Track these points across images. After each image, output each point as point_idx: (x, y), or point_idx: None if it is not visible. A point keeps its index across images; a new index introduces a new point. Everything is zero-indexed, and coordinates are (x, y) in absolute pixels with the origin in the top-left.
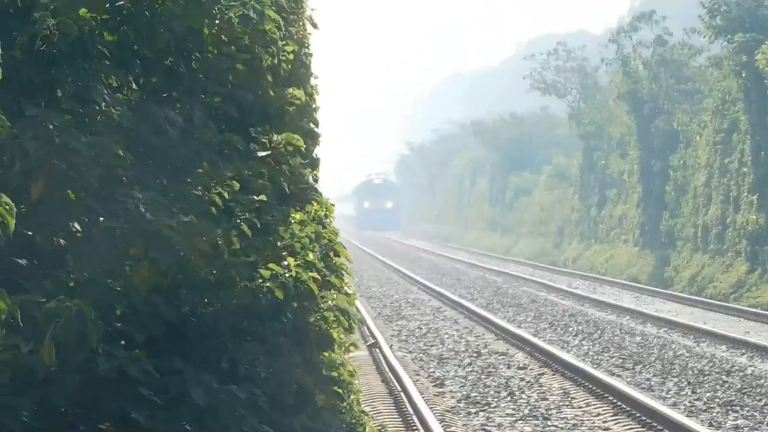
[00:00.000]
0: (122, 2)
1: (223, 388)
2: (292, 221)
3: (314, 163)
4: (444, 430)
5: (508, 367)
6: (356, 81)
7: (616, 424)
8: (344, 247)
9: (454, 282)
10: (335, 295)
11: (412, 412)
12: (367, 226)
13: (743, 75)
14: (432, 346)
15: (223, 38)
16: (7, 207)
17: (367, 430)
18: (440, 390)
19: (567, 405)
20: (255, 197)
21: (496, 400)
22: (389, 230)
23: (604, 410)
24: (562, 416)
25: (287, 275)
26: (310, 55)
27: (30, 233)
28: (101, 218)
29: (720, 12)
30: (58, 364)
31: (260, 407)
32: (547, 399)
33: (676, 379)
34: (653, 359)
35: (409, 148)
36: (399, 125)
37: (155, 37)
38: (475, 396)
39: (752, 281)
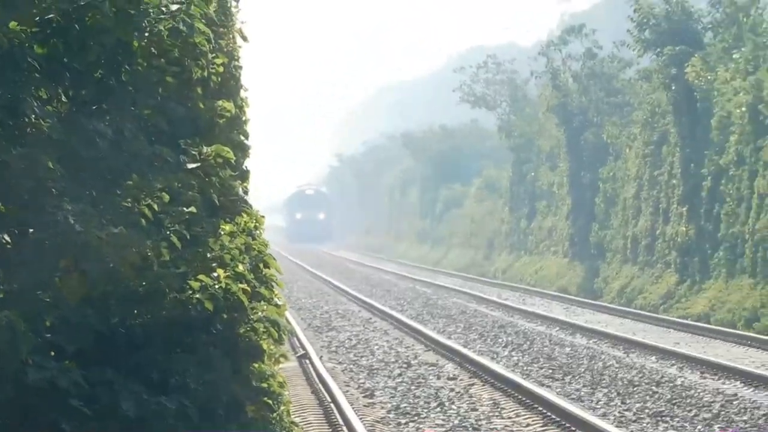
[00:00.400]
0: (52, 15)
1: (154, 399)
2: (222, 233)
3: (244, 175)
4: None
5: (438, 378)
6: (286, 94)
7: None
8: (274, 259)
9: (384, 293)
10: (265, 306)
11: (342, 422)
12: (298, 238)
13: (673, 88)
14: (362, 357)
15: (153, 51)
16: None
17: None
18: (370, 401)
19: (497, 416)
20: (185, 209)
21: (426, 410)
22: (322, 242)
23: (533, 421)
24: (492, 427)
25: (217, 287)
26: (240, 67)
27: None
28: (31, 230)
29: (649, 25)
30: None
31: (190, 418)
32: (476, 410)
33: (605, 390)
34: (583, 370)
35: (339, 159)
36: (330, 137)
37: (85, 50)
38: (405, 407)
39: (681, 292)
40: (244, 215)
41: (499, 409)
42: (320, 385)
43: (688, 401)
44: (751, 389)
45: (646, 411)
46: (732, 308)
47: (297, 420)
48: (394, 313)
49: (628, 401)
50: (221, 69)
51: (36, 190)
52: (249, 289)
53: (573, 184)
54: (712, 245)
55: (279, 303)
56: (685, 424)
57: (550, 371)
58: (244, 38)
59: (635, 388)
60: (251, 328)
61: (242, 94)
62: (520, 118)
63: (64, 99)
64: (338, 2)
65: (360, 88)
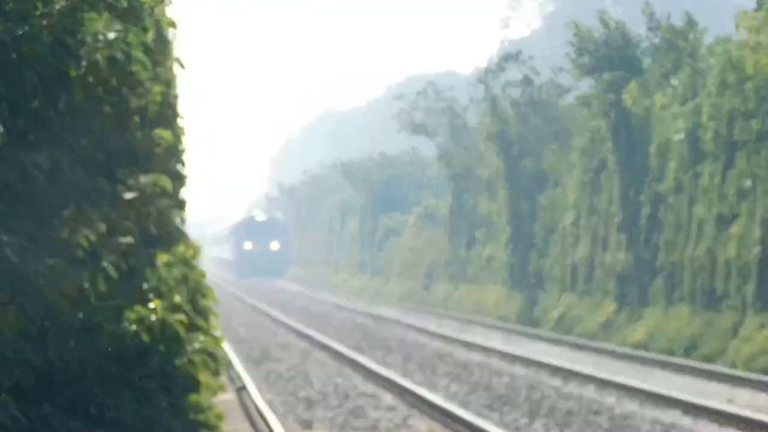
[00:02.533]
0: None
1: None
2: (159, 263)
3: (181, 205)
4: None
5: (377, 409)
6: (223, 124)
7: None
8: (211, 289)
9: (323, 324)
10: (202, 338)
11: None
12: (249, 272)
13: (611, 114)
14: (300, 388)
15: (91, 80)
16: None
17: None
18: None
19: None
20: (122, 240)
21: None
22: (276, 276)
23: None
24: None
25: (154, 318)
26: (177, 96)
27: None
28: None
29: (588, 51)
30: None
31: None
32: None
33: (544, 420)
34: (521, 400)
35: (279, 189)
36: (268, 168)
37: (22, 80)
38: None
39: (620, 321)
40: (182, 245)
41: None
42: (258, 417)
43: (626, 431)
44: (690, 418)
45: None
46: (671, 336)
47: None
48: (332, 344)
49: (566, 431)
50: (159, 98)
51: None
52: (186, 320)
53: (512, 213)
54: (651, 273)
55: (216, 334)
56: None
57: (489, 401)
58: (182, 66)
59: (573, 418)
60: (188, 360)
61: (179, 122)
62: (459, 146)
63: (0, 130)
64: (277, 31)
65: (298, 118)
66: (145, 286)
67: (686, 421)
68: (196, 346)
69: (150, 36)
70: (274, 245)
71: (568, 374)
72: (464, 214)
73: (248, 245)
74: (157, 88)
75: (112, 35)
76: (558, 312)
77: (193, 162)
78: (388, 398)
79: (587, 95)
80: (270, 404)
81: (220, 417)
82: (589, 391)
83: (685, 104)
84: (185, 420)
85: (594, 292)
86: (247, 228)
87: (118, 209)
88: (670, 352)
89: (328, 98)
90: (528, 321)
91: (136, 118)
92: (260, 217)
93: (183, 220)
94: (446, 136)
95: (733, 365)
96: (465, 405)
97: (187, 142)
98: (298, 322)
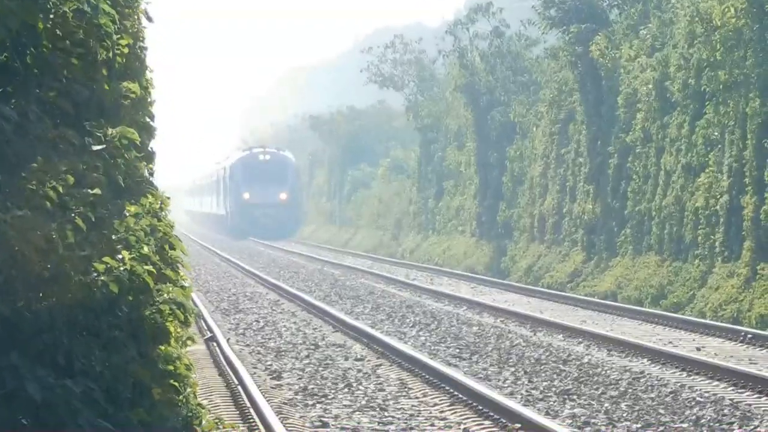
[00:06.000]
0: None
1: (59, 383)
2: (127, 214)
3: (150, 157)
4: (281, 422)
5: (346, 359)
6: (194, 77)
7: (453, 413)
8: (179, 240)
9: (291, 275)
10: (171, 288)
11: (249, 404)
12: (246, 231)
13: (579, 66)
14: (269, 339)
15: (58, 33)
16: None
17: (204, 422)
18: (277, 383)
19: (404, 396)
20: (90, 191)
21: (333, 391)
22: (284, 237)
23: (440, 400)
24: (399, 407)
25: (122, 268)
26: (145, 48)
27: None
28: None
29: (555, 3)
30: None
31: (96, 401)
32: (384, 390)
33: (512, 369)
34: (490, 349)
35: (246, 142)
36: (238, 122)
37: None
38: (313, 388)
39: (588, 270)
40: (150, 196)
41: (406, 389)
42: (227, 368)
43: (595, 379)
44: (659, 366)
45: (554, 389)
46: (639, 285)
47: (204, 402)
48: (301, 294)
49: (535, 380)
50: (126, 50)
51: None
52: (154, 270)
53: (480, 164)
54: (619, 223)
55: (185, 285)
56: (592, 402)
57: (458, 350)
58: (149, 19)
59: (542, 367)
60: (157, 311)
61: (147, 75)
62: (427, 98)
63: None
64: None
65: (267, 72)
66: (113, 237)
67: (654, 369)
68: (165, 296)
69: None
70: (283, 195)
71: (537, 323)
72: (432, 165)
73: (247, 195)
74: (125, 41)
75: None
76: (526, 262)
77: (162, 117)
78: (357, 348)
79: (555, 47)
80: (239, 355)
81: (189, 367)
82: (558, 341)
83: (652, 56)
84: (154, 370)
85: (562, 242)
86: (246, 170)
87: (86, 160)
88: (638, 302)
89: (296, 52)
90: (496, 271)
91: (104, 70)
92: (264, 154)
93: (151, 172)
94: (414, 88)
95: (702, 314)
96: (434, 354)
97: (157, 95)
98: (267, 273)
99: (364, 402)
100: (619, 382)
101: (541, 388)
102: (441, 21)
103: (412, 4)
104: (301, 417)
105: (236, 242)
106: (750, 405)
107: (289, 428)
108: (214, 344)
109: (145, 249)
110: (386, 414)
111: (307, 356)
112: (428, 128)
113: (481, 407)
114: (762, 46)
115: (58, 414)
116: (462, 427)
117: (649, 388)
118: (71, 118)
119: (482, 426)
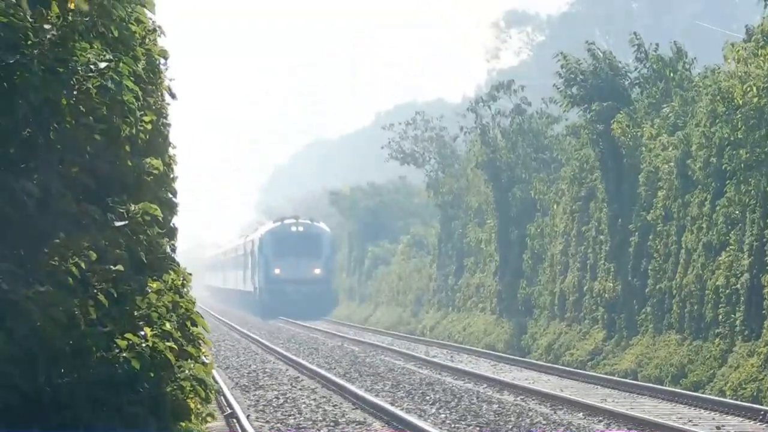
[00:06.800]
0: None
1: None
2: (149, 290)
3: (172, 233)
4: None
5: None
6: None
7: None
8: (201, 316)
9: (311, 351)
10: (192, 365)
11: None
12: (277, 310)
13: (600, 144)
14: (289, 415)
15: (81, 109)
16: None
17: None
18: None
19: None
20: (112, 267)
21: None
22: (319, 317)
23: None
24: None
25: (144, 345)
26: (168, 124)
27: None
28: None
29: (576, 81)
30: None
31: None
32: None
33: None
34: (510, 427)
35: (267, 217)
36: (255, 197)
37: (13, 108)
38: None
39: (609, 348)
40: (172, 273)
41: None
42: None
43: None
44: None
45: None
46: (659, 364)
47: None
48: (321, 371)
49: None
50: (149, 126)
51: None
52: (176, 347)
53: (501, 241)
54: (640, 301)
55: (206, 361)
56: None
57: (478, 429)
58: (173, 95)
59: None
60: (178, 387)
61: (170, 151)
62: (448, 174)
63: None
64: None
65: (287, 146)
66: (135, 313)
67: None
68: (186, 372)
69: (141, 65)
70: (317, 270)
71: (557, 401)
72: (453, 242)
73: (278, 269)
74: (148, 117)
75: (103, 64)
76: (546, 340)
77: (183, 191)
78: (377, 426)
79: (576, 125)
80: (258, 431)
81: None
82: (578, 419)
83: (674, 134)
84: None
85: (582, 320)
86: (277, 243)
87: (109, 236)
88: (659, 380)
89: (317, 127)
90: (516, 349)
91: (127, 146)
92: (297, 225)
93: (173, 248)
94: (435, 164)
95: (722, 393)
96: None
97: (178, 171)
98: (287, 349)
99: None
100: None
101: None
102: (462, 98)
103: (433, 81)
104: None
105: (254, 318)
106: None
107: None
108: (234, 421)
109: (167, 325)
110: None
111: None
112: (448, 205)
113: None
114: None
115: None
116: None
117: None
118: (94, 194)
119: None
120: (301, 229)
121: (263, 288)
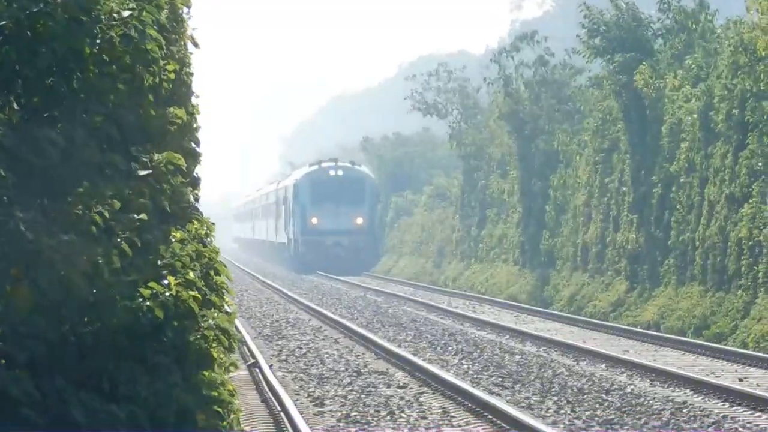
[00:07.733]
0: (4, 22)
1: (104, 408)
2: (173, 240)
3: (195, 182)
4: None
5: (388, 387)
6: (236, 103)
7: None
8: (225, 266)
9: (334, 302)
10: (215, 314)
11: (291, 431)
12: (314, 264)
13: (623, 95)
14: (312, 365)
15: (105, 58)
16: None
17: None
18: (320, 409)
19: (447, 424)
20: (136, 216)
21: (375, 419)
22: (361, 272)
23: (483, 429)
24: None
25: (167, 294)
26: (191, 74)
27: None
28: None
29: (599, 32)
30: None
31: (141, 426)
32: (426, 418)
33: (555, 398)
34: (533, 378)
35: (292, 167)
36: (280, 148)
37: (37, 57)
38: (355, 415)
39: (631, 300)
40: (195, 222)
41: (449, 417)
42: (270, 394)
43: (637, 409)
44: (701, 397)
45: (596, 419)
46: (682, 316)
47: (247, 429)
48: (344, 321)
49: (577, 409)
50: (173, 76)
51: None
52: (199, 296)
53: (524, 192)
54: (662, 253)
55: (229, 311)
56: None
57: (500, 379)
58: (196, 44)
59: (585, 396)
60: (201, 336)
61: (193, 101)
62: (471, 126)
63: (15, 107)
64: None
65: (311, 98)
66: (159, 262)
67: (697, 399)
68: (210, 322)
69: (164, 14)
70: (359, 219)
71: (580, 353)
72: (475, 193)
73: (315, 219)
74: (171, 66)
75: (126, 13)
76: (569, 291)
77: (206, 141)
78: (399, 376)
79: (599, 76)
80: (281, 381)
81: (233, 393)
82: (600, 370)
83: (696, 86)
84: (198, 395)
85: (605, 271)
86: (314, 189)
87: (132, 186)
88: (681, 332)
89: (340, 80)
90: (539, 300)
91: (150, 96)
92: (336, 169)
93: (197, 198)
94: (458, 115)
95: (744, 344)
96: (476, 383)
97: (202, 121)
98: (309, 299)
99: (406, 430)
100: (662, 412)
101: (584, 418)
102: (485, 49)
103: (456, 33)
104: None
105: (278, 267)
106: None
107: None
108: (257, 370)
109: (191, 275)
110: None
111: (350, 383)
112: (471, 156)
113: None
114: None
115: None
116: None
117: (692, 418)
118: (117, 144)
119: None
120: (340, 173)
121: (299, 240)
